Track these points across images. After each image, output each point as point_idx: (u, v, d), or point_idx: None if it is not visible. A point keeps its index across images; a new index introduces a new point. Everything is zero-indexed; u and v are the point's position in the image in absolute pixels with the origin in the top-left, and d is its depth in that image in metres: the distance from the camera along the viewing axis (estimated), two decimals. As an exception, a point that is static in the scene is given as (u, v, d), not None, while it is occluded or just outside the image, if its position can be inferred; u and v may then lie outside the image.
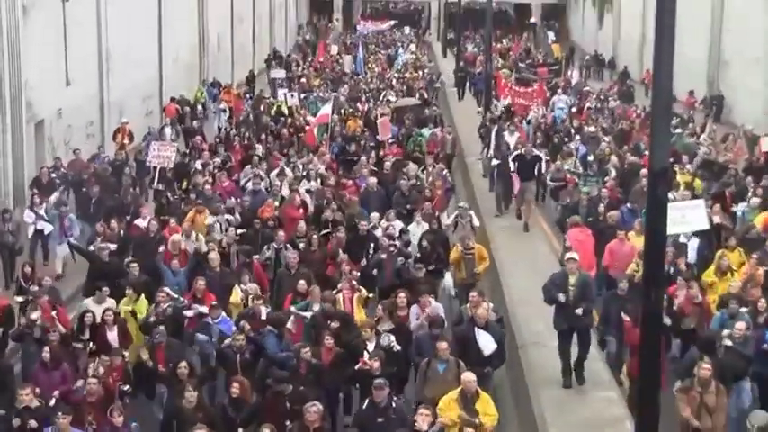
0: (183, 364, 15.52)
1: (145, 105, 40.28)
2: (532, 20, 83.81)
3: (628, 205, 23.93)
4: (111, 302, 18.48)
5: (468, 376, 14.24)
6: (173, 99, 41.47)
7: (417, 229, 22.89)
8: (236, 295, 19.01)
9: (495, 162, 28.44)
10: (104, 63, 35.61)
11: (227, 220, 23.66)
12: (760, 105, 41.03)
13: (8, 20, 27.74)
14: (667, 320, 16.62)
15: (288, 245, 21.55)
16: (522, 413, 16.77)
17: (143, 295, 18.74)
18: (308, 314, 17.79)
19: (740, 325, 16.17)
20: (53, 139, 31.32)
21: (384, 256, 20.84)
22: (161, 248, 21.46)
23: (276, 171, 28.13)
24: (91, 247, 21.62)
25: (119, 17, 36.19)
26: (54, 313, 17.88)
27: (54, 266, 23.92)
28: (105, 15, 35.28)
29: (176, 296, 18.61)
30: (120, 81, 36.67)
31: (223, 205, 24.49)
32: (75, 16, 32.48)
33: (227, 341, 16.73)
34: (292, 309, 18.12)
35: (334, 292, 18.44)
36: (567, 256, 17.78)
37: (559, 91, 43.75)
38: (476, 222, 23.80)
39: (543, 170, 27.42)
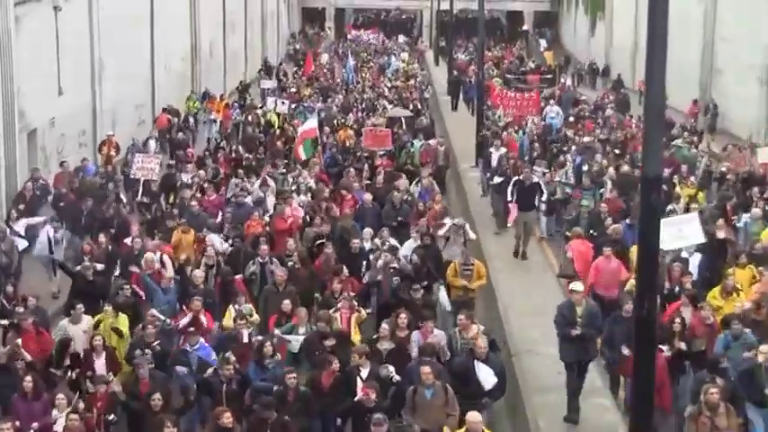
0: (157, 396, 14.94)
1: (137, 114, 40.24)
2: (524, 27, 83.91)
3: (627, 221, 23.12)
4: (87, 321, 17.80)
5: (474, 417, 13.51)
6: (164, 110, 41.24)
7: (413, 244, 22.25)
8: (230, 316, 18.32)
9: (496, 180, 27.39)
10: (97, 72, 35.53)
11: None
12: (753, 113, 41.06)
13: (0, 29, 27.71)
14: (682, 346, 16.70)
15: (275, 260, 20.87)
16: (516, 420, 16.76)
17: (121, 313, 18.06)
18: (294, 338, 17.28)
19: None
20: (46, 148, 31.28)
21: (380, 276, 20.36)
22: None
23: (258, 182, 27.51)
24: (78, 267, 20.83)
25: (111, 26, 36.12)
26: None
27: (51, 285, 23.08)
28: (97, 24, 35.22)
29: (164, 318, 18.06)
30: (112, 90, 36.60)
31: (214, 219, 24.21)
32: (68, 25, 32.43)
33: (210, 371, 16.03)
34: (277, 332, 17.53)
35: (332, 311, 17.97)
36: (571, 287, 17.07)
37: (552, 102, 43.43)
38: (471, 236, 22.99)
39: (544, 198, 25.84)
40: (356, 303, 18.53)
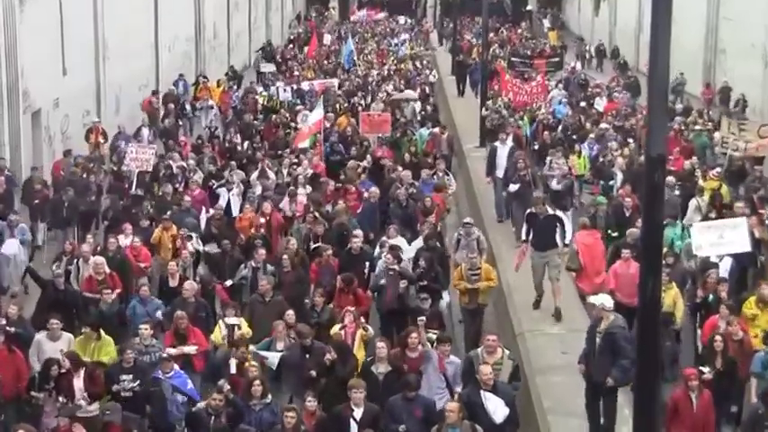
0: None
1: (141, 94, 40.13)
2: (528, 7, 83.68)
3: None
4: (66, 339, 16.23)
5: None
6: (154, 92, 39.93)
7: (419, 245, 20.59)
8: (219, 332, 16.87)
9: (512, 188, 23.40)
10: (101, 52, 35.47)
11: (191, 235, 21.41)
12: (758, 92, 40.97)
13: (4, 9, 27.67)
14: (707, 372, 15.05)
15: (269, 267, 19.25)
16: (521, 400, 16.80)
17: (105, 335, 16.36)
18: (271, 354, 16.04)
19: None
20: (50, 128, 31.27)
21: (384, 280, 18.82)
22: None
23: (256, 173, 26.18)
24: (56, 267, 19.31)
25: (115, 6, 36.07)
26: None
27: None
28: (101, 4, 35.15)
29: (149, 342, 16.19)
30: (116, 70, 36.53)
31: (196, 217, 22.96)
32: (72, 5, 32.34)
33: (201, 404, 14.57)
34: (252, 348, 16.15)
35: (338, 327, 16.70)
36: (590, 299, 15.72)
37: (560, 86, 42.28)
38: (483, 244, 20.80)
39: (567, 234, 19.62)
40: (363, 319, 17.37)
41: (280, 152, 30.44)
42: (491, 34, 59.45)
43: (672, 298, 17.60)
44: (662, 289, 15.89)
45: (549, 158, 27.19)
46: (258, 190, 25.42)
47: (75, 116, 33.02)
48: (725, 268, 18.85)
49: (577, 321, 18.97)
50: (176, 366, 15.54)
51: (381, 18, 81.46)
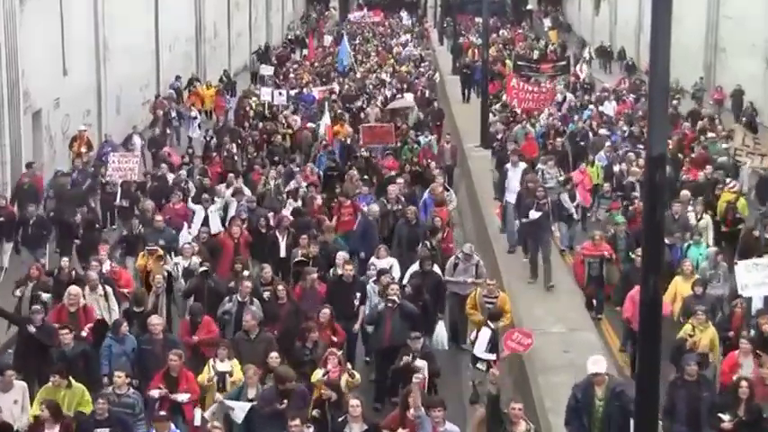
0: None
1: (142, 94, 40.15)
2: (529, 7, 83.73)
3: (666, 240, 19.15)
4: (20, 389, 14.36)
5: None
6: (158, 96, 39.24)
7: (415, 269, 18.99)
8: (206, 374, 14.99)
9: (533, 215, 20.85)
10: (101, 52, 35.45)
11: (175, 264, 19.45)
12: (758, 91, 40.94)
13: (5, 10, 27.64)
14: (726, 421, 13.90)
15: (256, 301, 17.23)
16: (521, 399, 16.77)
17: (75, 382, 14.35)
18: (239, 405, 14.11)
19: None
20: (50, 128, 31.26)
21: (381, 307, 17.00)
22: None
23: (231, 189, 23.94)
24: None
25: (115, 5, 36.07)
26: None
27: None
28: (102, 4, 35.14)
29: (123, 392, 14.22)
30: (117, 70, 36.53)
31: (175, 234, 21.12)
32: (72, 5, 32.36)
33: None
34: (218, 397, 14.52)
35: (321, 373, 14.67)
36: (592, 369, 13.64)
37: (569, 97, 40.60)
38: (483, 270, 19.45)
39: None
40: (349, 365, 15.14)
41: (276, 159, 28.93)
42: (493, 35, 59.37)
43: (709, 339, 16.25)
44: (699, 329, 15.90)
45: (540, 167, 25.05)
46: (233, 209, 23.27)
47: (75, 116, 32.98)
48: (759, 296, 17.51)
49: (579, 321, 19.04)
50: (173, 426, 13.55)
51: (379, 19, 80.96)
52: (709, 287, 18.24)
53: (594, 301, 20.70)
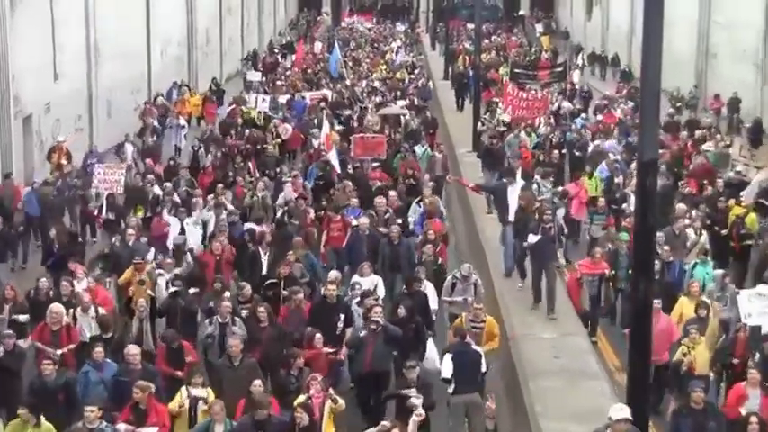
0: None
1: (133, 99, 40.10)
2: (521, 12, 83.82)
3: (663, 257, 19.35)
4: None
5: None
6: (147, 102, 38.53)
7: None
8: (178, 400, 14.20)
9: (532, 239, 19.36)
10: (92, 57, 35.42)
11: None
12: (749, 97, 40.98)
13: (-5, 14, 27.69)
14: None
15: (238, 320, 16.44)
16: (513, 404, 16.78)
17: (45, 421, 13.30)
18: None
19: None
20: (41, 133, 31.21)
21: (364, 332, 16.12)
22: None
23: (212, 203, 23.21)
24: None
25: (107, 10, 36.03)
26: None
27: None
28: (93, 8, 35.12)
29: (95, 426, 13.06)
30: (108, 75, 36.51)
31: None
32: (63, 10, 32.36)
33: None
34: None
35: (303, 398, 13.89)
36: (617, 416, 12.01)
37: (561, 98, 40.17)
38: (481, 289, 18.71)
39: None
40: (332, 391, 14.20)
41: (267, 171, 28.29)
42: (486, 41, 59.28)
43: (703, 356, 15.84)
44: (692, 347, 15.45)
45: (536, 180, 24.39)
46: (212, 223, 22.52)
47: (66, 121, 32.94)
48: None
49: (570, 326, 19.01)
50: None
51: (371, 25, 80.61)
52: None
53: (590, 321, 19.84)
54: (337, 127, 34.31)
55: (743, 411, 14.06)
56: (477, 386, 15.42)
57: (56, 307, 16.47)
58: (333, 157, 27.69)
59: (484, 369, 15.53)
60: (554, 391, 16.29)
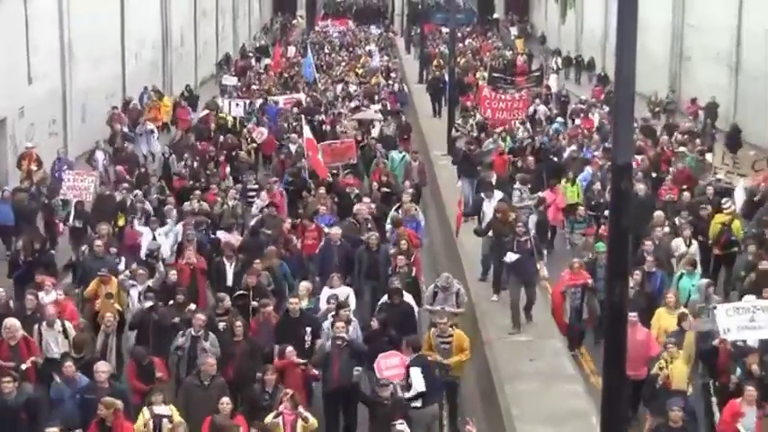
0: None
1: (108, 102, 39.94)
2: (495, 15, 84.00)
3: (645, 267, 18.96)
4: None
5: None
6: (115, 107, 37.72)
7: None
8: (141, 419, 13.80)
9: (510, 258, 18.81)
10: (67, 60, 35.26)
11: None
12: (723, 99, 41.13)
13: (-32, 17, 27.56)
14: None
15: (211, 335, 15.90)
16: (488, 407, 16.80)
17: None
18: None
19: None
20: (15, 137, 31.05)
21: (330, 348, 15.77)
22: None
23: (175, 212, 22.67)
24: None
25: (81, 12, 35.86)
26: None
27: None
28: (67, 11, 34.95)
29: None
30: (82, 78, 36.36)
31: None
32: (37, 12, 32.20)
33: None
34: None
35: (272, 416, 13.80)
36: None
37: (538, 101, 39.71)
38: (463, 298, 18.36)
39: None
40: (301, 409, 14.00)
41: (242, 177, 27.57)
42: (460, 44, 59.15)
43: (680, 371, 15.41)
44: (668, 360, 15.04)
45: (516, 188, 23.97)
46: (180, 233, 21.94)
47: (40, 125, 32.78)
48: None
49: (545, 329, 19.02)
50: None
51: (345, 28, 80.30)
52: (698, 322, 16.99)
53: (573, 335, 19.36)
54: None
55: (740, 428, 13.79)
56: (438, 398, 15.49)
57: (9, 322, 15.80)
58: (316, 162, 27.26)
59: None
60: (530, 394, 16.31)
